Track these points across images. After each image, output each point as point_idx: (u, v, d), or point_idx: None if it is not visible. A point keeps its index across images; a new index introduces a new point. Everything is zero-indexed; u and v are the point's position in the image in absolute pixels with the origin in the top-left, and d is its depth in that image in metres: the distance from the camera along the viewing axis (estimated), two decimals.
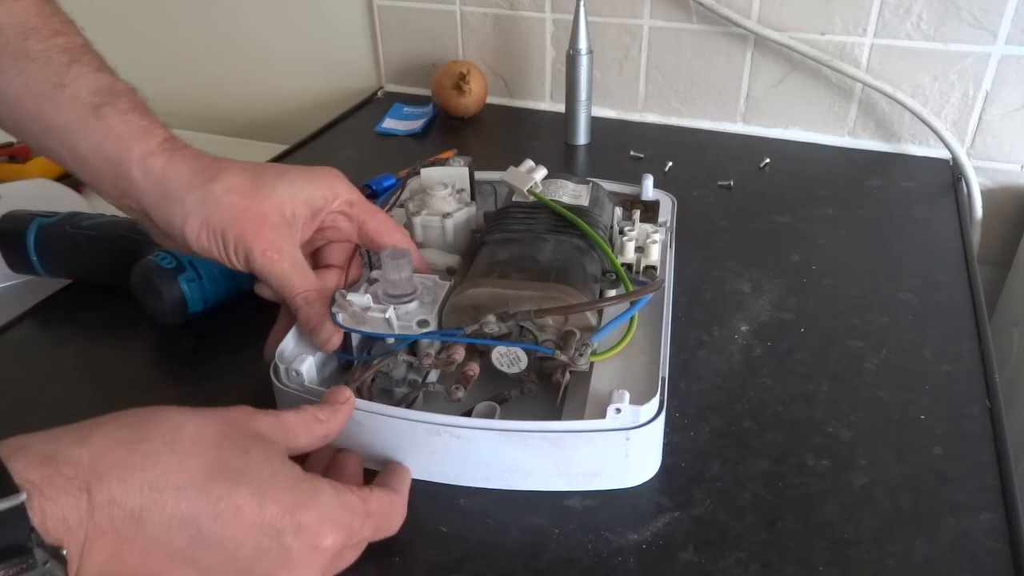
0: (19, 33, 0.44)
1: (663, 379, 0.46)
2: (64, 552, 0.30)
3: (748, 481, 0.46)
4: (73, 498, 0.30)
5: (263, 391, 0.48)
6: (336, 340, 0.48)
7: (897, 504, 0.44)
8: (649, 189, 0.65)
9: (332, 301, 0.48)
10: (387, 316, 0.47)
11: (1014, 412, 0.74)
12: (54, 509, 0.30)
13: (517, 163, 0.59)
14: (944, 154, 0.85)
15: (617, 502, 0.45)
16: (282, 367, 0.47)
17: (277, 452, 0.37)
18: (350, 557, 0.40)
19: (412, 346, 0.48)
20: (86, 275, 0.65)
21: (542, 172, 0.58)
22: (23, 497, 0.29)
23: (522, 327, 0.47)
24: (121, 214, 0.63)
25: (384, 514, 0.40)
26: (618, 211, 0.61)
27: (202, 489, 0.33)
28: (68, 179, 0.86)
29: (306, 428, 0.40)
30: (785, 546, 0.42)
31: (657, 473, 0.47)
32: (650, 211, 0.64)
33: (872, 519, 0.44)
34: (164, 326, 0.59)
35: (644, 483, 0.46)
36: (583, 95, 0.87)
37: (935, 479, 0.46)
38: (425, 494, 0.45)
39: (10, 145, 0.90)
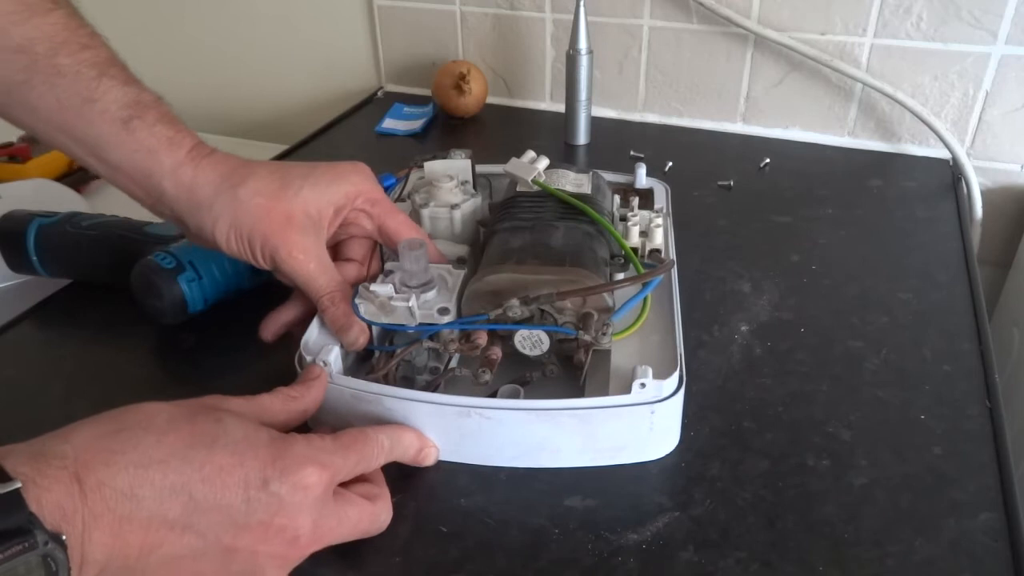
0: (49, 49, 0.45)
1: (680, 354, 0.48)
2: (64, 537, 0.31)
3: (748, 481, 0.46)
4: (65, 486, 0.32)
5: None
6: (363, 339, 0.49)
7: (897, 504, 0.44)
8: (642, 178, 0.68)
9: (355, 294, 0.50)
10: (409, 304, 0.48)
11: (1014, 412, 0.74)
12: (49, 497, 0.31)
13: None
14: (944, 154, 0.85)
15: (617, 502, 0.45)
16: (308, 358, 0.48)
17: (249, 421, 0.39)
18: (355, 510, 0.40)
19: (434, 333, 0.49)
20: (86, 275, 0.65)
21: (544, 162, 0.59)
22: (18, 484, 0.30)
23: (542, 311, 0.48)
24: (121, 214, 0.64)
25: (360, 444, 0.42)
26: (616, 199, 0.62)
27: (184, 458, 0.35)
28: (68, 179, 0.86)
29: (282, 406, 0.43)
30: (785, 546, 0.42)
31: (658, 472, 0.47)
32: (644, 199, 0.65)
33: (872, 519, 0.44)
34: (164, 326, 0.59)
35: (644, 483, 0.46)
36: (583, 95, 0.87)
37: (935, 479, 0.46)
38: (425, 494, 0.46)
39: (10, 145, 0.90)
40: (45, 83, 0.45)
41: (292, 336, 0.52)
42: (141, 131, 0.47)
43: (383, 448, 0.43)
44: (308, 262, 0.49)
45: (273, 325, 0.53)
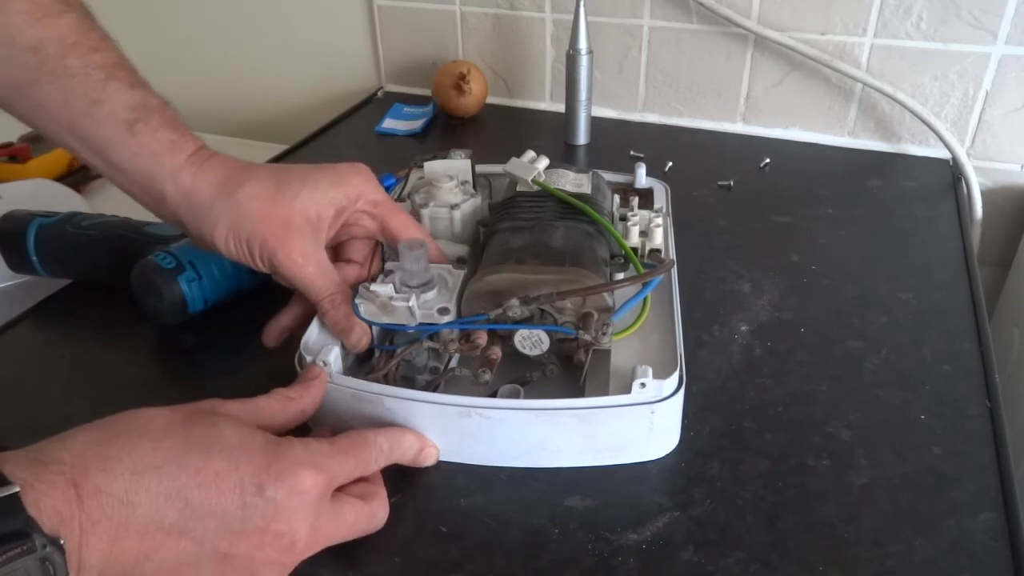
0: (59, 50, 0.45)
1: (680, 354, 0.48)
2: (62, 542, 0.31)
3: (748, 481, 0.46)
4: (63, 492, 0.32)
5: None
6: (366, 341, 0.50)
7: (897, 504, 0.44)
8: (642, 178, 0.68)
9: (355, 294, 0.50)
10: (410, 304, 0.48)
11: (1014, 412, 0.74)
12: (47, 502, 0.31)
13: None
14: (944, 154, 0.85)
15: (617, 502, 0.45)
16: (308, 358, 0.48)
17: (245, 425, 0.39)
18: (351, 511, 0.40)
19: (434, 333, 0.49)
20: (86, 275, 0.65)
21: (544, 162, 0.59)
22: (17, 488, 0.30)
23: (542, 310, 0.48)
24: (121, 214, 0.64)
25: (358, 447, 0.42)
26: (616, 199, 0.62)
27: (180, 464, 0.35)
28: (68, 179, 0.86)
29: (280, 407, 0.43)
30: (785, 546, 0.42)
31: (658, 472, 0.47)
32: (644, 199, 0.65)
33: (872, 519, 0.44)
34: (164, 326, 0.59)
35: (644, 483, 0.46)
36: (583, 95, 0.87)
37: (935, 479, 0.46)
38: (425, 494, 0.46)
39: (10, 145, 0.90)
40: (54, 83, 0.46)
41: (293, 337, 0.52)
42: (145, 134, 0.47)
43: (382, 451, 0.43)
44: (307, 266, 0.49)
45: (275, 331, 0.53)
